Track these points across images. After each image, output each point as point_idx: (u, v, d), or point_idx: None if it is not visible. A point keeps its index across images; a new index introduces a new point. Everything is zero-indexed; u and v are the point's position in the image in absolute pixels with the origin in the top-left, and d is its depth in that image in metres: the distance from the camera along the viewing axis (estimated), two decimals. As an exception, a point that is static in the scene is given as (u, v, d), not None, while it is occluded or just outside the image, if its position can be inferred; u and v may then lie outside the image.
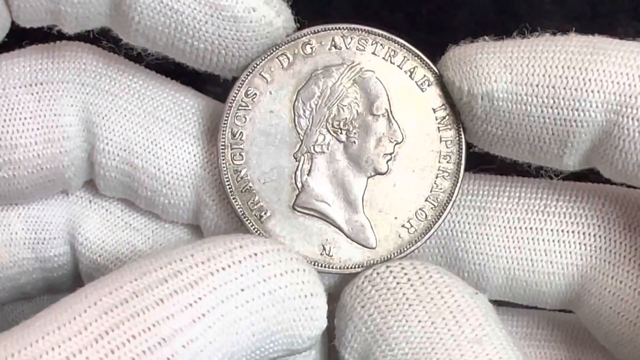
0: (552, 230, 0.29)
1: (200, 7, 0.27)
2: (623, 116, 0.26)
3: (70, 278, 0.33)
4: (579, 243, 0.29)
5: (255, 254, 0.26)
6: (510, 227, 0.30)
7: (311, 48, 0.29)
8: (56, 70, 0.30)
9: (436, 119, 0.29)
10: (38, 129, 0.29)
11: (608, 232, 0.29)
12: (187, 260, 0.25)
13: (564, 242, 0.29)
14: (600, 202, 0.30)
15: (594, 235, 0.29)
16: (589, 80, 0.26)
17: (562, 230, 0.29)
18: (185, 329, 0.24)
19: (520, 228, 0.30)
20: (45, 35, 0.30)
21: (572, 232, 0.29)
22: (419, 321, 0.27)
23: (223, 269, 0.25)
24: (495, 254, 0.30)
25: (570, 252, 0.29)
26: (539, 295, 0.30)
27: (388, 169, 0.29)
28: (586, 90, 0.26)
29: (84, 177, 0.31)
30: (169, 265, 0.25)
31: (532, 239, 0.29)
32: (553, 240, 0.29)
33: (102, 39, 0.30)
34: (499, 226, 0.30)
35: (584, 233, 0.29)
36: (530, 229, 0.29)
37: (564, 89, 0.26)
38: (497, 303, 0.31)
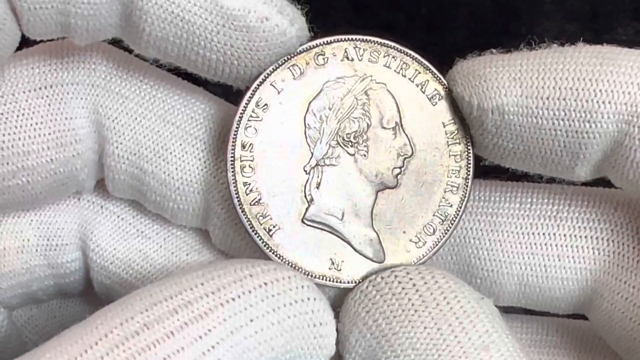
0: (564, 235, 0.29)
1: (212, 17, 0.27)
2: (634, 126, 0.26)
3: (82, 283, 0.33)
4: (592, 248, 0.29)
5: (265, 284, 0.26)
6: (522, 233, 0.30)
7: (323, 59, 0.29)
8: (66, 70, 0.30)
9: (446, 133, 0.29)
10: (50, 133, 0.29)
11: (620, 237, 0.29)
12: (197, 290, 0.25)
13: (576, 247, 0.29)
14: (612, 207, 0.29)
15: (607, 240, 0.29)
16: (600, 91, 0.26)
17: (575, 236, 0.29)
18: None
19: (533, 234, 0.30)
20: None
21: (585, 237, 0.29)
22: (425, 327, 0.27)
23: (233, 299, 0.25)
24: (508, 260, 0.30)
25: (583, 257, 0.29)
26: (552, 301, 0.30)
27: (397, 183, 0.29)
28: (597, 102, 0.26)
29: (96, 177, 0.31)
30: (179, 294, 0.25)
31: (545, 244, 0.29)
32: (566, 246, 0.29)
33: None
34: (511, 232, 0.30)
35: (596, 238, 0.29)
36: (543, 234, 0.29)
37: (575, 100, 0.26)
38: (508, 310, 0.31)
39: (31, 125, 0.29)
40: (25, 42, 0.29)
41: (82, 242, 0.32)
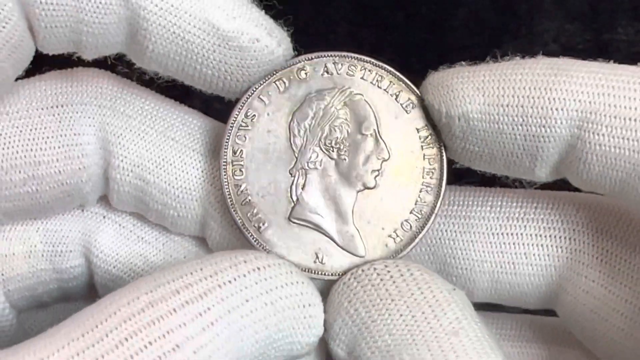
0: (531, 235, 0.31)
1: (209, 37, 0.29)
2: (585, 131, 0.27)
3: (85, 288, 0.34)
4: (555, 246, 0.30)
5: (259, 268, 0.27)
6: (493, 234, 0.31)
7: (305, 73, 0.30)
8: (75, 93, 0.31)
9: (420, 138, 0.30)
10: (59, 147, 0.30)
11: (580, 236, 0.30)
12: (196, 274, 0.26)
13: (542, 245, 0.30)
14: (573, 209, 0.31)
15: (569, 239, 0.30)
16: (554, 99, 0.27)
17: (540, 235, 0.31)
18: (196, 336, 0.25)
19: (503, 234, 0.31)
20: (61, 60, 0.31)
21: (549, 236, 0.30)
22: (400, 314, 0.27)
23: (229, 282, 0.26)
24: (481, 259, 0.31)
25: (548, 255, 0.30)
26: (522, 296, 0.31)
27: (376, 184, 0.30)
28: (551, 109, 0.27)
29: (99, 192, 0.32)
30: (180, 278, 0.26)
31: (514, 244, 0.31)
32: (532, 245, 0.30)
33: (118, 64, 0.31)
34: (483, 233, 0.31)
35: (559, 237, 0.30)
36: (511, 234, 0.31)
37: (532, 108, 0.27)
38: (485, 307, 0.31)
39: (42, 138, 0.30)
40: (37, 69, 0.31)
41: (85, 249, 0.33)
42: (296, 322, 0.28)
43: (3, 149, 0.30)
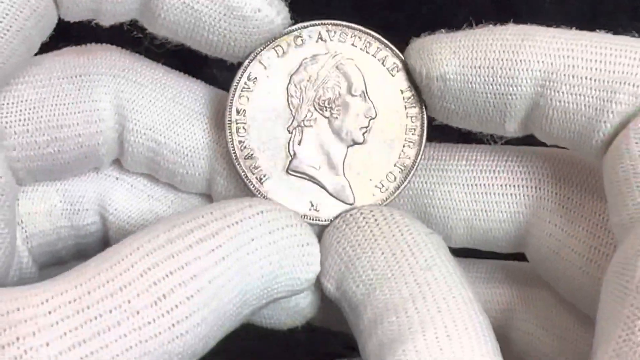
0: (501, 185, 0.32)
1: (216, 7, 0.30)
2: (548, 89, 0.28)
3: (100, 244, 0.35)
4: (523, 195, 0.32)
5: (262, 212, 0.29)
6: (467, 185, 0.33)
7: (301, 40, 0.32)
8: (91, 65, 0.32)
9: (403, 99, 0.32)
10: (79, 112, 0.32)
11: (545, 185, 0.32)
12: (208, 217, 0.28)
13: (511, 194, 0.32)
14: (539, 160, 0.32)
15: (534, 188, 0.32)
16: (520, 60, 0.29)
17: (510, 185, 0.32)
18: (210, 268, 0.27)
19: (476, 185, 0.32)
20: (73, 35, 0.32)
21: (517, 186, 0.32)
22: (382, 252, 0.29)
23: (237, 222, 0.28)
24: (457, 207, 0.33)
25: (516, 203, 0.32)
26: (494, 240, 0.33)
27: (364, 140, 0.32)
28: (518, 69, 0.29)
29: (113, 155, 0.33)
30: (194, 220, 0.28)
31: (486, 193, 0.32)
32: (502, 194, 0.32)
33: (133, 29, 0.32)
34: (459, 184, 0.33)
35: (526, 187, 0.32)
36: (484, 185, 0.32)
37: (500, 68, 0.29)
38: (462, 255, 0.33)
39: (64, 104, 0.32)
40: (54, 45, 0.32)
41: (100, 208, 0.34)
42: (296, 260, 0.29)
43: (29, 113, 0.31)
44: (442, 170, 0.33)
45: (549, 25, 0.29)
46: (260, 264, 0.28)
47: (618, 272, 0.26)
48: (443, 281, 0.28)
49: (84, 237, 0.35)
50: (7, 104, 0.31)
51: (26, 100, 0.31)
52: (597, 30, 0.29)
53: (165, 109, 0.33)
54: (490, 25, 0.30)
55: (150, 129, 0.33)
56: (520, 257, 0.34)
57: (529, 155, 0.33)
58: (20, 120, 0.31)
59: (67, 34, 0.32)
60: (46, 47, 0.31)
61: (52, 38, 0.31)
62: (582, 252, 0.30)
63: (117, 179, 0.35)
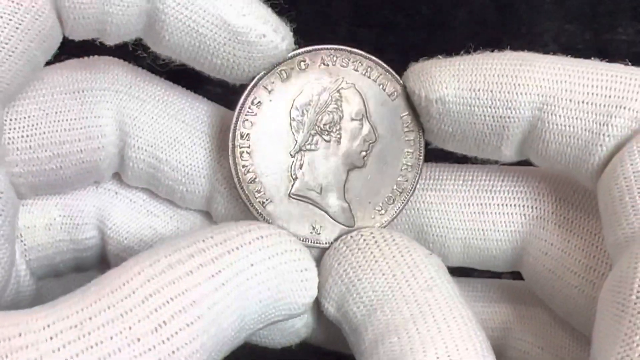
0: (498, 204, 0.32)
1: (220, 32, 0.30)
2: (545, 112, 0.29)
3: (98, 258, 0.35)
4: (519, 214, 0.32)
5: (262, 237, 0.29)
6: (464, 204, 0.33)
7: (305, 65, 0.32)
8: (94, 80, 0.32)
9: (402, 124, 0.32)
10: (81, 128, 0.32)
11: (542, 204, 0.32)
12: (208, 241, 0.28)
13: (507, 214, 0.32)
14: (535, 181, 0.32)
15: (531, 207, 0.32)
16: (518, 85, 0.29)
17: (506, 204, 0.32)
18: (210, 294, 0.27)
19: (473, 204, 0.33)
20: (77, 48, 0.32)
21: (514, 205, 0.32)
22: (383, 274, 0.30)
23: (237, 248, 0.28)
24: (454, 227, 0.33)
25: (512, 222, 0.32)
26: (491, 259, 0.33)
27: (364, 163, 0.32)
28: (516, 93, 0.29)
29: (113, 169, 0.34)
30: (194, 244, 0.28)
31: (483, 212, 0.33)
32: (499, 213, 0.32)
33: (137, 48, 0.32)
34: (456, 204, 0.33)
35: (523, 206, 0.32)
36: (481, 204, 0.33)
37: (499, 92, 0.29)
38: (458, 273, 0.33)
39: (66, 120, 0.32)
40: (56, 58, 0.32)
41: (99, 222, 0.34)
42: (294, 285, 0.29)
43: (31, 129, 0.31)
44: (439, 190, 0.33)
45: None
46: (259, 289, 0.28)
47: (614, 290, 0.26)
48: (444, 302, 0.28)
49: (82, 251, 0.35)
50: (10, 120, 0.31)
51: (29, 117, 0.31)
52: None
53: (167, 126, 0.33)
54: (488, 52, 0.31)
55: (151, 146, 0.33)
56: (515, 275, 0.34)
57: (525, 175, 0.33)
58: (22, 136, 0.31)
59: (70, 46, 0.32)
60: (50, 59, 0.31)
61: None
62: (578, 271, 0.31)
63: (116, 193, 0.35)
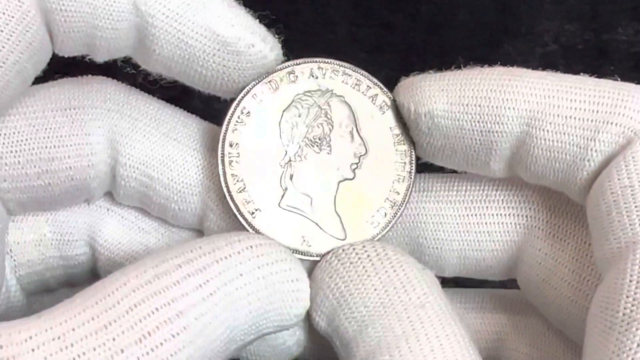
0: (493, 214, 0.32)
1: (210, 43, 0.30)
2: (533, 127, 0.29)
3: (88, 274, 0.35)
4: (514, 224, 0.32)
5: (252, 246, 0.29)
6: (459, 215, 0.33)
7: (294, 76, 0.32)
8: (86, 98, 0.32)
9: (393, 136, 0.32)
10: (71, 145, 0.32)
11: (536, 214, 0.32)
12: (196, 251, 0.28)
13: (503, 223, 0.32)
14: (529, 190, 0.32)
15: (526, 217, 0.32)
16: (507, 99, 0.29)
17: (501, 214, 0.32)
18: (197, 305, 0.26)
19: (468, 215, 0.33)
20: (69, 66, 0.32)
21: (509, 215, 0.32)
22: (375, 289, 0.29)
23: (226, 257, 0.28)
24: (449, 238, 0.33)
25: (508, 232, 0.32)
26: (487, 269, 0.33)
27: (354, 176, 0.32)
28: (504, 107, 0.29)
29: (105, 188, 0.33)
30: (182, 254, 0.27)
31: (478, 223, 0.32)
32: (494, 223, 0.32)
33: (126, 66, 0.32)
34: (450, 215, 0.33)
35: (517, 215, 0.32)
36: (476, 215, 0.33)
37: (488, 106, 0.29)
38: (450, 284, 0.33)
39: (56, 137, 0.32)
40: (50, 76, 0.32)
41: (90, 239, 0.34)
42: (285, 295, 0.29)
43: (21, 145, 0.31)
44: (433, 201, 0.33)
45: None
46: (248, 300, 0.28)
47: (602, 307, 0.26)
48: (436, 319, 0.28)
49: (73, 267, 0.35)
50: (0, 135, 0.31)
51: (19, 132, 0.31)
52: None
53: (159, 144, 0.33)
54: (477, 67, 0.31)
55: (143, 164, 0.33)
56: (510, 284, 0.34)
57: (520, 185, 0.33)
58: (12, 152, 0.31)
59: (61, 65, 0.32)
60: (42, 78, 0.32)
61: (47, 70, 0.31)
62: (571, 281, 0.31)
63: (108, 210, 0.35)
